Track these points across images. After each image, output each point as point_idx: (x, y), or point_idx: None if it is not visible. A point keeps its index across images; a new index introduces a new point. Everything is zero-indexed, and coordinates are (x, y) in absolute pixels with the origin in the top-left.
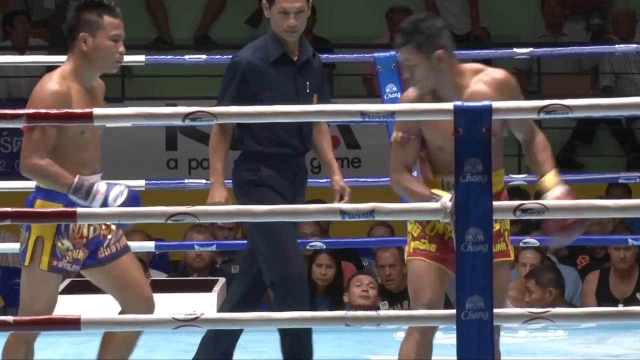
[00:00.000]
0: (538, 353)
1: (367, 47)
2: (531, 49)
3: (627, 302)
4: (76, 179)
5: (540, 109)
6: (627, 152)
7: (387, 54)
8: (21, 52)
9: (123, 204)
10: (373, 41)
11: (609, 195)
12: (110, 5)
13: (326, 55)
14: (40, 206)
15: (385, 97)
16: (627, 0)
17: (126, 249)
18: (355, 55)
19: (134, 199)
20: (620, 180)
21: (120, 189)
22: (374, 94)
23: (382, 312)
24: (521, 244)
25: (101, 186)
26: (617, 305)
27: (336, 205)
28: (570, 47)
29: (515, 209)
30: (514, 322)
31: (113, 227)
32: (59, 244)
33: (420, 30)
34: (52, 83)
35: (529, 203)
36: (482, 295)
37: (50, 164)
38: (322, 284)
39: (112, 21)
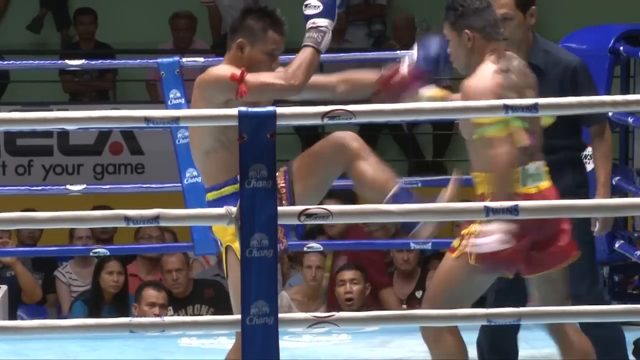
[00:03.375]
0: (323, 356)
1: (150, 52)
2: None
3: (408, 300)
4: None
5: (324, 115)
6: (409, 157)
7: (170, 59)
8: None
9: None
10: (156, 47)
11: None
12: (281, 20)
13: (109, 60)
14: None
15: (169, 103)
16: (406, 8)
17: None
18: (138, 60)
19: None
20: None
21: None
22: (158, 100)
23: (167, 319)
24: (305, 248)
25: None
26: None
27: (121, 211)
28: (354, 53)
29: (300, 214)
30: (299, 326)
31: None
32: None
33: (454, 7)
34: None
35: (313, 208)
36: (267, 300)
37: None
38: (113, 291)
39: (275, 37)
